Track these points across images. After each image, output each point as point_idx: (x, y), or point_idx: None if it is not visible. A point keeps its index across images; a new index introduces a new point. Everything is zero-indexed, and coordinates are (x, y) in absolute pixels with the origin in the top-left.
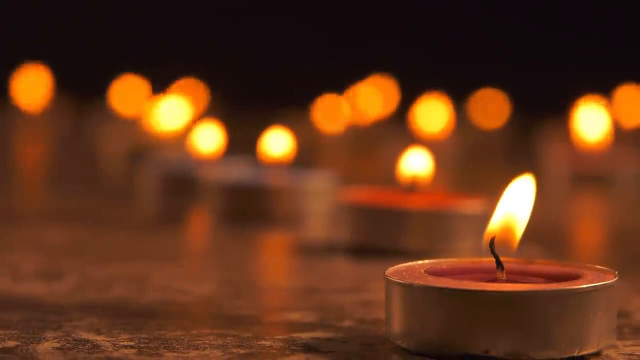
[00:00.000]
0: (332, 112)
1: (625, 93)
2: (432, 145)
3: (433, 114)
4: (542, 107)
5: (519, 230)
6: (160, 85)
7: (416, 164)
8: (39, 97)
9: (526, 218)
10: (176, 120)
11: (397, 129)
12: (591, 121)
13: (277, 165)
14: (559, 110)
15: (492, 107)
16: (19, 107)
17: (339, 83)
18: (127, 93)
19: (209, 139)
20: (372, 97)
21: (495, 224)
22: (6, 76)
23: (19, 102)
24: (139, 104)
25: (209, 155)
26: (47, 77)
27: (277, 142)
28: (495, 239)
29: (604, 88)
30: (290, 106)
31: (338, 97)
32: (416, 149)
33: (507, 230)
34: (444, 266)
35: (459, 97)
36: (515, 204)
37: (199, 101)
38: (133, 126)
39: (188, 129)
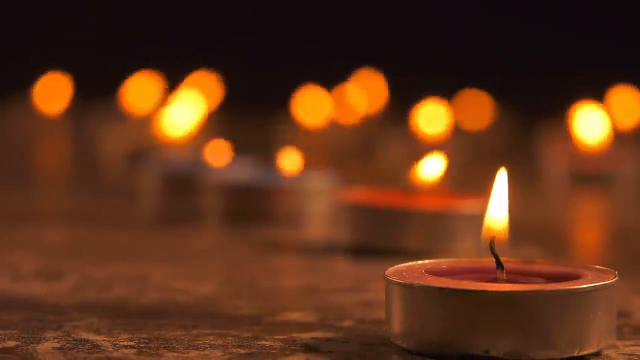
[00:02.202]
0: (314, 106)
1: (621, 94)
2: (433, 146)
3: (434, 118)
4: (540, 107)
5: (503, 226)
6: (165, 85)
7: (432, 169)
8: (59, 99)
9: (505, 212)
10: (185, 121)
11: (394, 129)
12: (590, 121)
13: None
14: (558, 110)
15: (480, 108)
16: (38, 107)
17: (329, 80)
18: (133, 94)
19: (219, 150)
20: (360, 94)
21: (486, 224)
22: (25, 77)
23: (39, 102)
24: (144, 104)
25: (218, 159)
26: (67, 77)
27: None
28: (486, 238)
29: (602, 88)
30: (283, 105)
31: (320, 90)
32: (433, 155)
33: (495, 229)
34: (444, 266)
35: (455, 97)
36: (495, 202)
37: (209, 101)
38: (137, 126)
39: (195, 130)
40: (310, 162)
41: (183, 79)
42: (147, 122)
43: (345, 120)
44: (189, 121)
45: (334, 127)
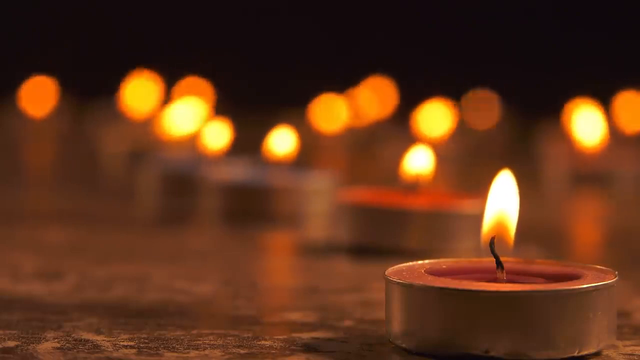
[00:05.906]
0: (331, 113)
1: (625, 98)
2: (432, 145)
3: (436, 119)
4: (540, 107)
5: (512, 226)
6: (164, 85)
7: (419, 162)
8: (46, 102)
9: (515, 213)
10: (185, 123)
11: (398, 130)
12: (589, 122)
13: (280, 165)
14: (557, 110)
15: (485, 108)
16: (25, 109)
17: (339, 83)
18: (134, 94)
19: (216, 137)
20: (371, 98)
21: (488, 223)
22: (12, 80)
23: (25, 105)
24: (145, 105)
25: (214, 154)
26: (52, 81)
27: (281, 141)
28: (487, 237)
29: (604, 89)
30: (290, 106)
31: (337, 97)
32: (419, 148)
33: (501, 229)
34: (444, 266)
35: (456, 98)
36: (503, 201)
37: (206, 102)
38: (137, 126)
39: (196, 130)
40: (319, 163)
41: (182, 79)
42: (146, 122)
43: (356, 124)
44: (190, 122)
45: (346, 131)
